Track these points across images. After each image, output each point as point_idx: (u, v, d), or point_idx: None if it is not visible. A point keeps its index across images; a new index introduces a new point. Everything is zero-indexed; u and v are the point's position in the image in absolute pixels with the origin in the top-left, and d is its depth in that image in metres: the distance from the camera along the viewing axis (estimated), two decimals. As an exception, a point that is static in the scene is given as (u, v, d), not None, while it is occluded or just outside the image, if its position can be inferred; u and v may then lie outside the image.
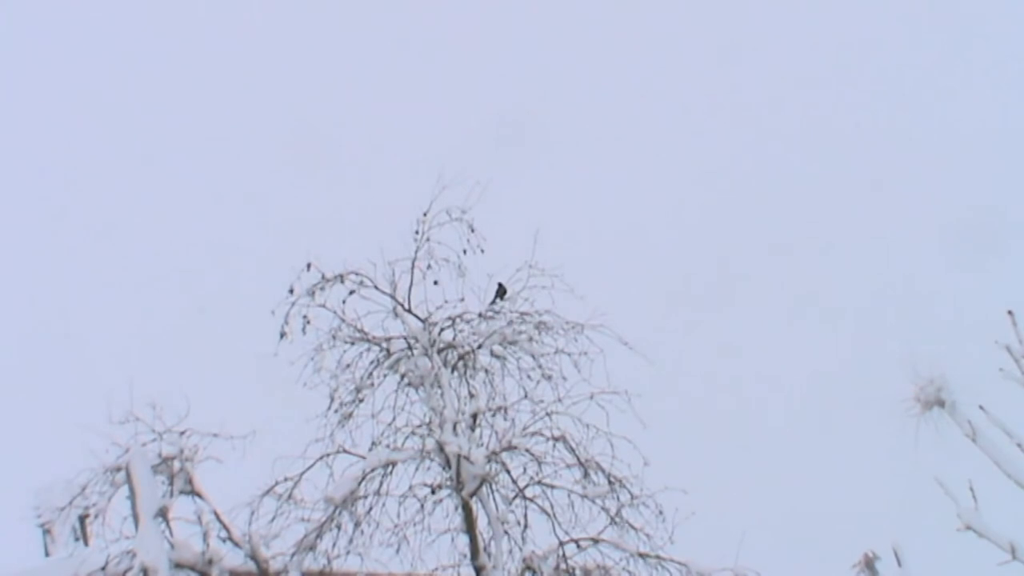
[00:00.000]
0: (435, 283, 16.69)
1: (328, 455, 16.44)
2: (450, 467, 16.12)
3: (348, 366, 16.69)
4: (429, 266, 16.65)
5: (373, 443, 16.53)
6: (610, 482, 16.36)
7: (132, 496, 15.55)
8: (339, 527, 16.26)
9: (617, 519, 16.35)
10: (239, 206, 39.95)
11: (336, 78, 44.76)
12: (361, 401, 16.67)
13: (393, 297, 16.63)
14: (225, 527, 16.22)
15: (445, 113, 42.12)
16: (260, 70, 44.85)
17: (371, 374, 16.70)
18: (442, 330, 16.75)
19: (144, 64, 44.89)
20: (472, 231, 16.64)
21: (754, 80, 43.88)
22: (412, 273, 16.59)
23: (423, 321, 16.63)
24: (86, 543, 16.80)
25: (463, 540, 16.51)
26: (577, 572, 16.29)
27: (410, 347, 16.55)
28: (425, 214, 16.61)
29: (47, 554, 18.99)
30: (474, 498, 16.29)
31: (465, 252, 16.66)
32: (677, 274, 36.47)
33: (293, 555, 16.16)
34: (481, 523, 16.39)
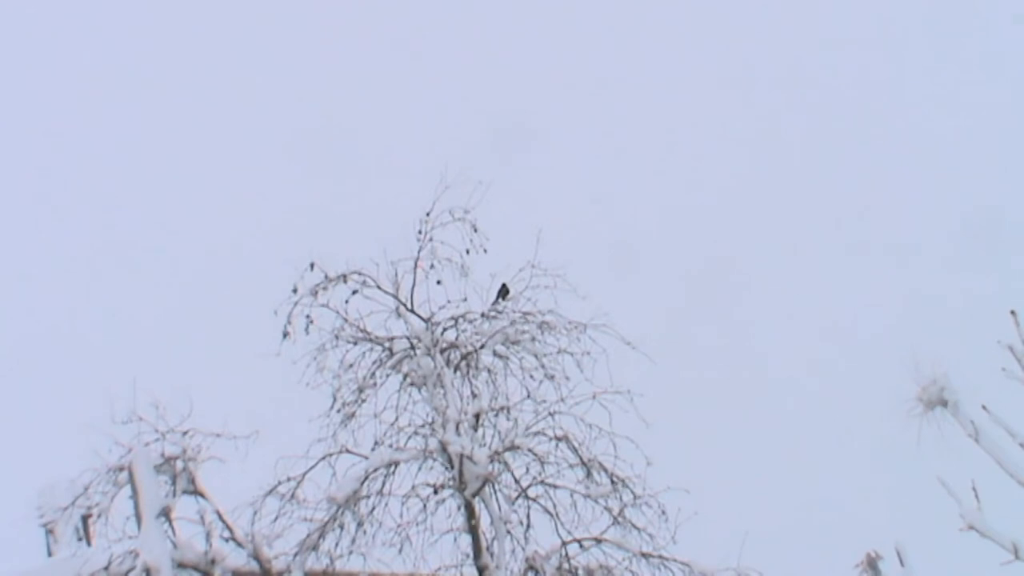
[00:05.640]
0: (438, 283, 16.69)
1: (331, 455, 16.44)
2: (453, 467, 16.11)
3: (351, 366, 16.69)
4: (432, 266, 16.65)
5: (376, 443, 16.52)
6: (613, 482, 16.35)
7: (135, 496, 15.55)
8: (342, 527, 16.25)
9: (620, 519, 16.33)
10: (242, 206, 39.97)
11: (339, 78, 44.78)
12: (364, 401, 16.67)
13: (396, 297, 16.63)
14: (228, 527, 16.21)
15: (448, 113, 42.15)
16: (264, 71, 44.88)
17: (374, 374, 16.70)
18: (445, 330, 16.75)
19: (152, 62, 44.93)
20: (475, 231, 16.64)
21: (755, 80, 43.88)
22: (415, 273, 16.60)
23: (426, 321, 16.63)
24: (89, 543, 16.81)
25: (466, 540, 16.50)
26: (580, 572, 16.27)
27: (413, 347, 16.55)
28: (428, 214, 16.61)
29: (50, 554, 19.01)
30: (477, 498, 16.27)
31: (468, 252, 16.65)
32: (678, 275, 36.48)
33: (296, 555, 16.15)
34: (484, 523, 16.38)
